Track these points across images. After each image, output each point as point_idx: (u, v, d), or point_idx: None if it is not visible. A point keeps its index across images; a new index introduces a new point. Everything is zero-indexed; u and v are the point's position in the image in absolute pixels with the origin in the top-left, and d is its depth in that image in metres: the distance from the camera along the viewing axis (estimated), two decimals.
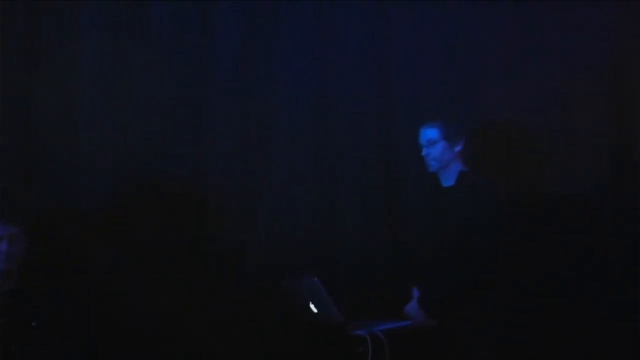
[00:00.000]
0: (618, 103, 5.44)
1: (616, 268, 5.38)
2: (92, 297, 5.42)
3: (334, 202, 5.76)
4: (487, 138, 5.45)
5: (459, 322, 4.91)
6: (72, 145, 5.75)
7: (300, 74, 5.80)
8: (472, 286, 4.84)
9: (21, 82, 5.72)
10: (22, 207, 5.50)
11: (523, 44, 5.61)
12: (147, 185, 5.72)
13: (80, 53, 5.80)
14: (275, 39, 5.84)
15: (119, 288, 5.56)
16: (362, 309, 5.25)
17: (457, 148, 5.08)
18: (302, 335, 5.34)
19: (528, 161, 5.52)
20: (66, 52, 5.77)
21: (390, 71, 5.76)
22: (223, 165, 5.82)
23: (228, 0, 5.85)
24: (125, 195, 5.70)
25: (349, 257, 5.70)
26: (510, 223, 4.95)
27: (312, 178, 5.77)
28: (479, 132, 5.37)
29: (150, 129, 5.77)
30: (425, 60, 5.72)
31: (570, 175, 5.44)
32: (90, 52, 5.80)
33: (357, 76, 5.76)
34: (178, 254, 5.64)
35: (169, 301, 5.55)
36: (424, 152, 5.12)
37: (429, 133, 5.10)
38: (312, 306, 5.00)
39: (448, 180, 5.09)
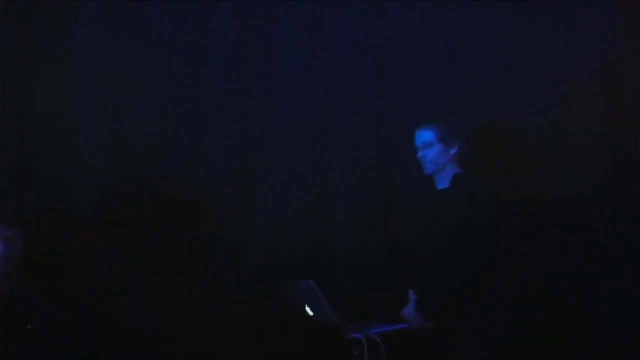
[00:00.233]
0: (617, 104, 5.41)
1: (616, 268, 5.35)
2: (91, 298, 5.44)
3: (331, 204, 5.75)
4: (486, 139, 5.43)
5: (455, 326, 4.90)
6: (70, 145, 5.76)
7: (298, 75, 5.79)
8: (468, 289, 4.83)
9: (19, 83, 5.73)
10: (20, 208, 5.52)
11: (523, 44, 5.57)
12: (145, 186, 5.72)
13: (78, 54, 5.81)
14: (273, 39, 5.83)
15: (118, 289, 5.57)
16: (358, 312, 5.24)
17: (453, 150, 5.06)
18: (298, 338, 5.34)
19: (527, 162, 5.50)
20: (64, 53, 5.79)
21: (389, 72, 5.72)
22: (221, 166, 5.82)
23: (224, 1, 5.84)
24: (124, 196, 5.70)
25: (346, 260, 5.69)
26: (506, 225, 4.94)
27: (309, 179, 5.76)
28: (479, 132, 5.36)
29: (148, 129, 5.78)
30: (424, 61, 5.68)
31: (568, 176, 5.42)
32: (88, 52, 5.80)
33: (355, 77, 5.74)
34: (176, 254, 5.65)
35: (166, 302, 5.56)
36: (419, 154, 5.10)
37: (425, 135, 5.09)
38: (308, 309, 5.01)
39: (443, 182, 5.08)
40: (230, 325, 5.61)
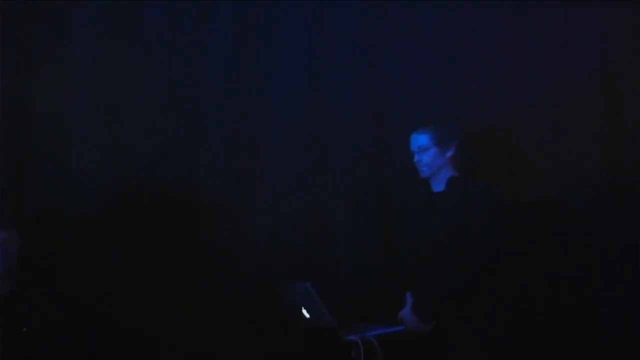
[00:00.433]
0: (615, 105, 5.39)
1: (616, 268, 5.34)
2: (91, 298, 5.45)
3: (327, 207, 5.75)
4: (482, 141, 5.41)
5: (452, 328, 4.90)
6: (69, 146, 5.78)
7: (297, 75, 5.80)
8: (466, 290, 4.82)
9: (19, 83, 5.74)
10: (20, 208, 5.54)
11: (522, 44, 5.57)
12: (144, 186, 5.74)
13: (78, 54, 5.82)
14: (273, 39, 5.83)
15: (118, 289, 5.58)
16: (355, 314, 5.22)
17: (449, 153, 5.04)
18: (295, 341, 5.35)
19: (525, 163, 5.49)
20: (64, 53, 5.80)
21: (388, 72, 5.74)
22: (219, 166, 5.83)
23: (223, 1, 5.83)
24: (123, 196, 5.72)
25: (343, 263, 5.69)
26: (503, 226, 4.92)
27: (305, 182, 5.77)
28: (475, 134, 5.34)
29: (148, 130, 5.79)
30: (423, 61, 5.68)
31: (568, 176, 5.41)
32: (88, 53, 5.82)
33: (354, 77, 5.74)
34: (175, 255, 5.67)
35: (165, 302, 5.57)
36: (415, 159, 5.08)
37: (420, 140, 5.06)
38: (304, 311, 5.00)
39: (438, 185, 5.07)
40: (230, 325, 5.62)
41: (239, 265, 5.71)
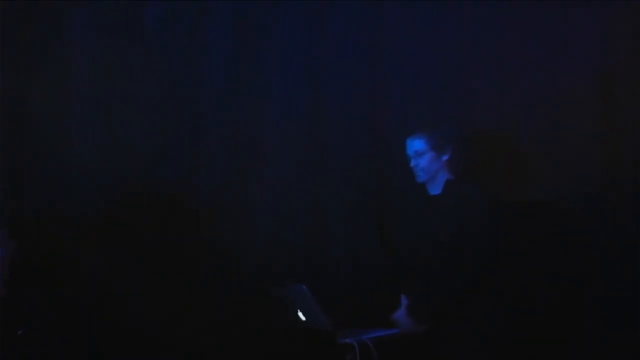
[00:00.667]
0: (613, 106, 5.37)
1: (616, 268, 5.33)
2: (90, 298, 5.47)
3: (327, 207, 5.76)
4: (479, 143, 5.41)
5: (447, 329, 4.89)
6: (69, 146, 5.80)
7: (297, 75, 5.80)
8: (460, 293, 4.82)
9: (18, 83, 5.76)
10: (19, 208, 5.57)
11: (521, 45, 5.55)
12: (144, 186, 5.75)
13: (78, 54, 5.84)
14: (272, 39, 5.83)
15: (117, 289, 5.60)
16: (350, 317, 5.22)
17: (445, 157, 5.02)
18: (290, 343, 5.36)
19: (523, 164, 5.48)
20: (61, 54, 5.81)
21: (387, 72, 5.73)
22: (219, 166, 5.85)
23: (222, 1, 5.83)
24: (123, 196, 5.74)
25: (342, 263, 5.70)
26: (502, 227, 4.92)
27: (305, 182, 5.78)
28: (471, 137, 5.33)
29: (147, 130, 5.81)
30: (423, 62, 5.67)
31: (567, 177, 5.40)
32: (87, 53, 5.84)
33: (353, 78, 5.74)
34: (175, 255, 5.69)
35: (165, 302, 5.58)
36: (412, 163, 5.06)
37: (416, 144, 5.04)
38: (300, 314, 5.01)
39: (435, 189, 5.05)
40: (230, 325, 5.63)
41: (239, 266, 5.72)
